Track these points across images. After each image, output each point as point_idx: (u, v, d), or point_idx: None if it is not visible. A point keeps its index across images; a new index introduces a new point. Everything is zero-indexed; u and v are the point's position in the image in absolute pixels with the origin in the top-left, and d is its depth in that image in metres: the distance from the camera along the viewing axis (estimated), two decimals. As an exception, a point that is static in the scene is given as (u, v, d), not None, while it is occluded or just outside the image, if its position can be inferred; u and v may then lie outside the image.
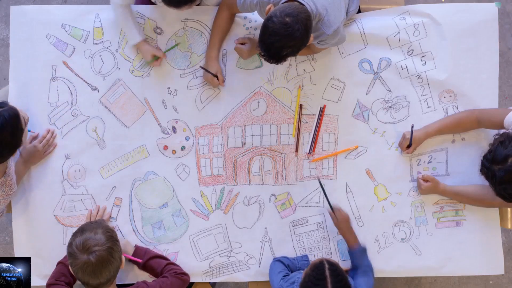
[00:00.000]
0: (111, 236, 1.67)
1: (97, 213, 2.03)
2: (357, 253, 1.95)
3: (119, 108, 2.08)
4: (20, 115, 1.72)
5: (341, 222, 1.96)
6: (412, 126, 2.01)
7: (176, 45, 2.08)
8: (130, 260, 1.96)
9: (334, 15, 1.79)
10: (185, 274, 1.95)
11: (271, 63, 1.72)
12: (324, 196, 2.01)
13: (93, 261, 1.59)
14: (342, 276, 1.60)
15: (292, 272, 1.93)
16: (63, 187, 2.05)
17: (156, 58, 2.04)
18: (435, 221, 2.07)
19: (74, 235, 1.68)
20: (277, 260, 1.98)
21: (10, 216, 2.04)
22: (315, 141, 2.08)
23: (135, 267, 2.00)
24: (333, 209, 1.99)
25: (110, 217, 2.05)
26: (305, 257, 2.04)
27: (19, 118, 1.71)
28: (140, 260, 1.94)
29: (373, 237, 2.07)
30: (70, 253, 1.64)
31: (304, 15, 1.65)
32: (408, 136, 1.99)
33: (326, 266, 1.60)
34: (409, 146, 2.01)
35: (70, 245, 1.65)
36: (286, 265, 1.96)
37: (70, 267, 1.65)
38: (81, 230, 1.68)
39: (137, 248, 1.98)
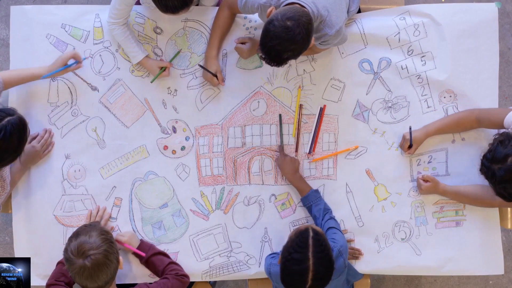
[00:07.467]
0: (106, 238, 1.65)
1: (97, 213, 2.03)
2: (311, 195, 1.95)
3: (119, 108, 2.08)
4: (27, 124, 1.73)
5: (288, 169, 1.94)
6: (410, 128, 2.01)
7: (179, 52, 2.08)
8: (133, 253, 1.97)
9: (336, 16, 1.79)
10: (186, 276, 1.95)
11: (272, 65, 1.71)
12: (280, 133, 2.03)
13: (88, 266, 1.58)
14: (325, 247, 1.59)
15: None
16: (63, 187, 2.05)
17: (163, 69, 2.04)
18: (435, 221, 2.07)
19: (69, 239, 1.66)
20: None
21: (10, 216, 2.04)
22: (315, 141, 2.08)
23: (135, 267, 2.00)
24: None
25: (110, 217, 2.05)
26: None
27: (26, 127, 1.72)
28: (143, 254, 1.94)
29: (373, 237, 2.06)
30: (66, 259, 1.63)
31: (306, 19, 1.64)
32: (408, 137, 2.00)
33: (311, 234, 1.60)
34: (410, 147, 2.01)
35: (65, 250, 1.64)
36: None
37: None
38: (76, 234, 1.66)
39: (142, 243, 1.99)
